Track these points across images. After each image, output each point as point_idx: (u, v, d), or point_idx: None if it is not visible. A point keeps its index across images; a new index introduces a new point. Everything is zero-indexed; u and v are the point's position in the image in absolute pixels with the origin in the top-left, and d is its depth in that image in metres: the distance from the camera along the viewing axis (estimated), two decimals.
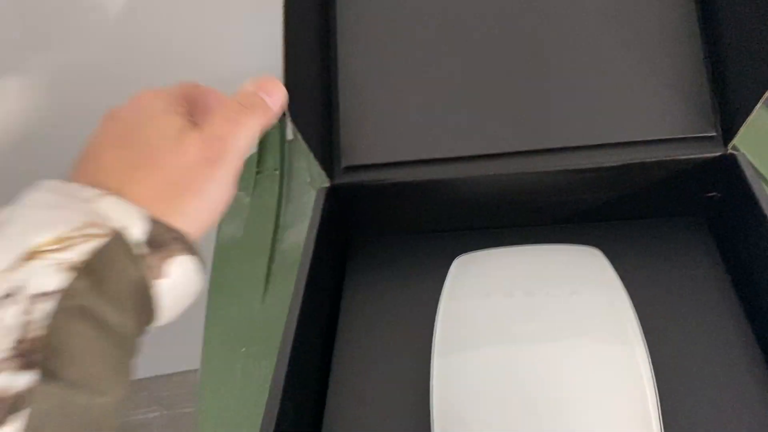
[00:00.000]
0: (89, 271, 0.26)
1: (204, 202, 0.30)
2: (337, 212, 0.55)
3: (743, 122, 0.46)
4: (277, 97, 0.34)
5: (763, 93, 0.43)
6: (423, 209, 0.56)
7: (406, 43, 0.54)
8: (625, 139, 0.50)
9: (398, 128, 0.53)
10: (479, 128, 0.52)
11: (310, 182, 0.71)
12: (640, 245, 0.53)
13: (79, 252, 0.26)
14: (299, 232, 0.65)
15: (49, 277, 0.25)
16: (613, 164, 0.50)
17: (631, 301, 0.44)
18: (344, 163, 0.53)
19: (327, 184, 0.54)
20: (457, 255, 0.52)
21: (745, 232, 0.47)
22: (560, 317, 0.43)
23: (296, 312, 0.44)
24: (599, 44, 0.51)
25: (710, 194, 0.52)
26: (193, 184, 0.30)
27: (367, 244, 0.60)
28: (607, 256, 0.49)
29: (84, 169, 0.30)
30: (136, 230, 0.28)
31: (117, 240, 0.27)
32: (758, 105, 0.44)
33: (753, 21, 0.45)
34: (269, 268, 0.63)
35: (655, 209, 0.55)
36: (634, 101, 0.50)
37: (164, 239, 0.28)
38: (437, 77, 0.53)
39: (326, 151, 0.53)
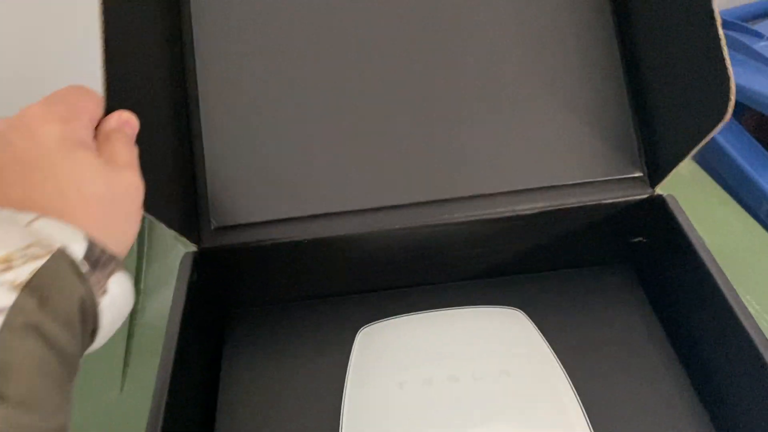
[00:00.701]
0: (35, 289, 0.27)
1: (131, 226, 0.33)
2: (208, 281, 0.47)
3: (674, 165, 0.42)
4: (134, 126, 0.37)
5: (699, 142, 0.39)
6: (314, 272, 0.49)
7: (281, 80, 0.47)
8: (543, 184, 0.45)
9: (278, 181, 0.46)
10: (376, 177, 0.46)
11: (176, 236, 0.61)
12: (565, 298, 0.50)
13: (25, 271, 0.26)
14: (164, 299, 0.56)
15: None
16: (530, 211, 0.45)
17: (566, 374, 0.40)
18: (214, 224, 0.45)
19: (194, 249, 0.46)
20: (360, 325, 0.46)
21: (679, 277, 0.44)
22: (492, 407, 0.36)
23: (161, 404, 0.38)
24: (511, 80, 0.46)
25: (636, 239, 0.48)
26: (122, 211, 0.33)
27: (248, 318, 0.52)
28: (530, 312, 0.46)
29: None
30: (77, 248, 0.29)
31: (61, 258, 0.28)
32: (693, 152, 0.40)
33: (679, 61, 0.41)
34: (128, 347, 0.55)
35: (578, 258, 0.51)
36: (552, 142, 0.46)
37: (102, 258, 0.30)
38: (324, 119, 0.46)
39: (190, 210, 0.44)
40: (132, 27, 0.40)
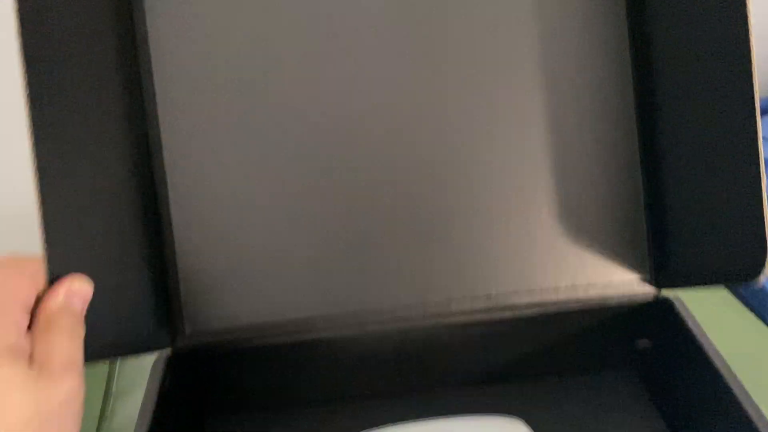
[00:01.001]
0: None
1: None
2: (182, 387, 0.44)
3: (684, 286, 0.42)
4: (85, 297, 0.33)
5: (717, 283, 0.39)
6: (298, 378, 0.47)
7: (259, 170, 0.44)
8: (544, 284, 0.44)
9: (258, 280, 0.44)
10: (366, 275, 0.44)
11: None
12: (568, 406, 0.47)
13: None
14: (137, 402, 0.53)
15: None
16: (530, 312, 0.44)
17: None
18: (189, 328, 0.43)
19: (167, 351, 0.43)
20: None
21: (689, 385, 0.42)
22: None
23: None
24: (512, 171, 0.45)
25: (642, 343, 0.47)
26: (55, 429, 0.29)
27: (226, 428, 0.49)
28: (531, 422, 0.42)
29: None
30: None
31: None
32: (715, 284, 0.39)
33: (705, 176, 0.39)
34: None
35: (581, 363, 0.49)
36: (554, 239, 0.44)
37: None
38: (307, 214, 0.44)
39: (161, 310, 0.42)
40: (73, 104, 0.34)
